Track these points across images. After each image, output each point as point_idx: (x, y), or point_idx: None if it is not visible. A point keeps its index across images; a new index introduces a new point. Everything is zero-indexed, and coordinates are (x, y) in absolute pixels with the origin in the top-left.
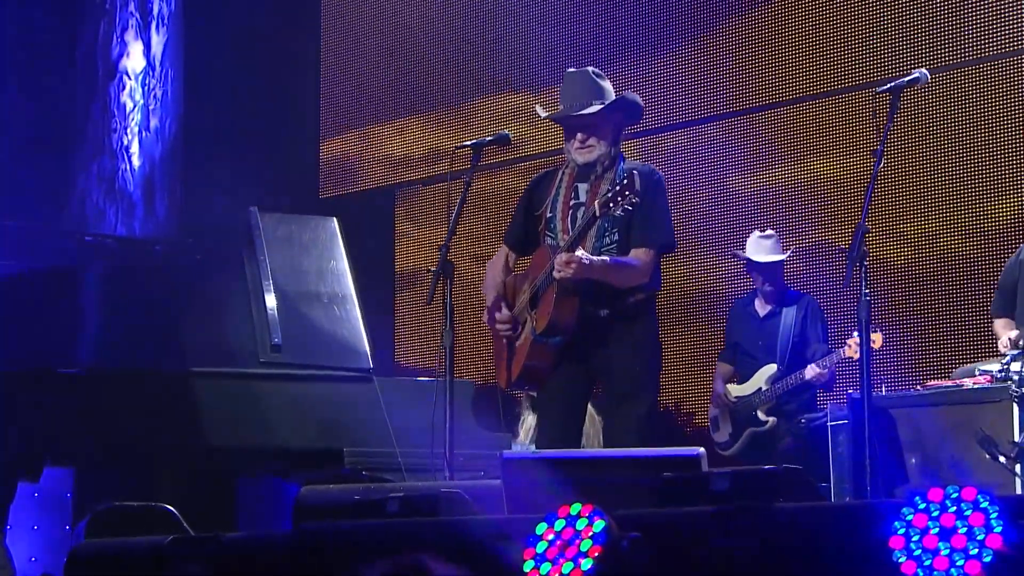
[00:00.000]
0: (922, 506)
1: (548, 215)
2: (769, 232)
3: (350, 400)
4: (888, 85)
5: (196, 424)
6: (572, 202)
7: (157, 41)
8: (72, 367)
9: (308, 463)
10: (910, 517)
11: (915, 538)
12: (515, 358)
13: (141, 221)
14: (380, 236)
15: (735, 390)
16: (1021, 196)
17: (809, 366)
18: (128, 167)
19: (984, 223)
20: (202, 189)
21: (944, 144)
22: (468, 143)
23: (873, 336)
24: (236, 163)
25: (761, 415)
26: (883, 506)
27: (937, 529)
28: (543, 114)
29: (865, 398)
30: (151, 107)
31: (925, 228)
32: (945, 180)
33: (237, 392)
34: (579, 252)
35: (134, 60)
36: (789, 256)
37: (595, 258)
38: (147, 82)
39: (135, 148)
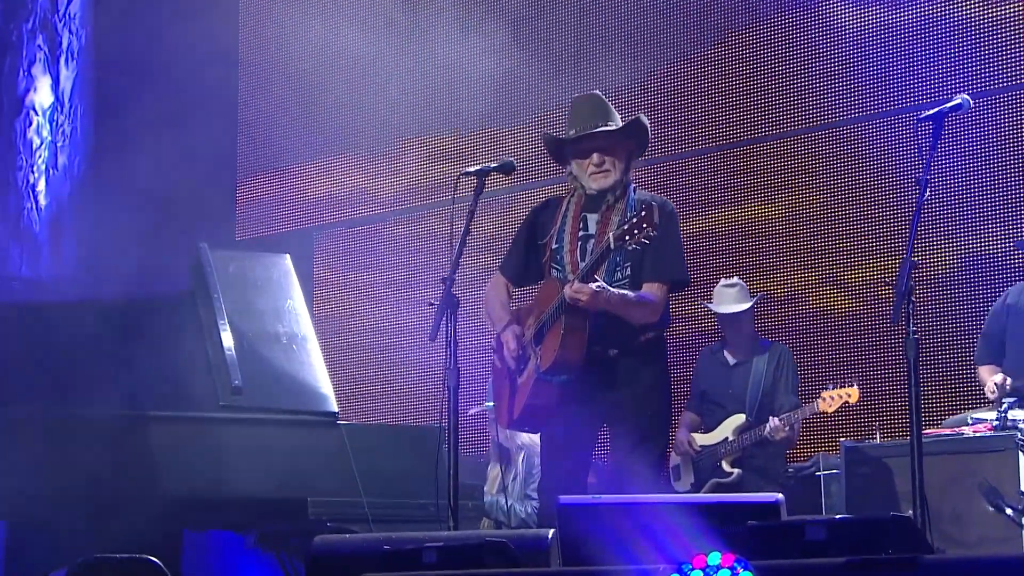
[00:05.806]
0: None
1: (554, 246)
2: (734, 280)
3: (314, 446)
4: (930, 112)
5: (147, 472)
6: (580, 233)
7: (66, 76)
8: None
9: (268, 513)
10: None
11: None
12: (517, 396)
13: (47, 262)
14: (298, 279)
15: (700, 439)
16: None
17: (770, 419)
18: (34, 206)
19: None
20: (112, 230)
21: (853, 191)
22: (471, 170)
23: (850, 391)
24: (148, 203)
25: (726, 466)
26: None
27: None
28: (559, 135)
29: (914, 445)
30: (59, 144)
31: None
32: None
33: (195, 437)
34: (593, 284)
35: (42, 95)
36: (756, 303)
37: (613, 289)
38: (55, 118)
39: (42, 186)
